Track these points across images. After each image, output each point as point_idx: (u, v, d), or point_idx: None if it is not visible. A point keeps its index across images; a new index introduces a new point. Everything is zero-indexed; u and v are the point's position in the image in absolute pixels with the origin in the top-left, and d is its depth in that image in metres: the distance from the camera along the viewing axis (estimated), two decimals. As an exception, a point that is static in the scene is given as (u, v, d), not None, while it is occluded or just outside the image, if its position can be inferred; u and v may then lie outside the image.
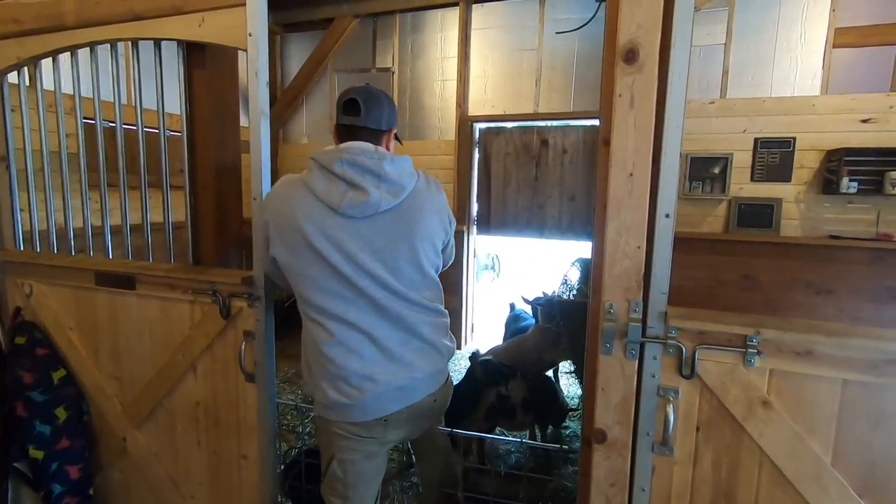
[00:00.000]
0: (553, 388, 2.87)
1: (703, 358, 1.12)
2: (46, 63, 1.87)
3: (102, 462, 1.88)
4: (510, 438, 2.54)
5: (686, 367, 1.14)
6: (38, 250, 1.98)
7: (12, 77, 1.92)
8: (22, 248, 1.98)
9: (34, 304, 1.88)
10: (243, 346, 1.53)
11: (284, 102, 5.13)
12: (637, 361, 1.17)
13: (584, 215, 4.31)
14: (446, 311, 1.43)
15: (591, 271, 1.28)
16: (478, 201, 4.63)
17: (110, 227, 1.87)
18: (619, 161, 1.15)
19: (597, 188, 1.25)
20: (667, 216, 1.12)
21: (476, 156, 4.59)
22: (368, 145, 1.29)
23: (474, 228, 4.67)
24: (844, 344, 1.02)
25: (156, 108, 1.70)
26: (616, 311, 1.17)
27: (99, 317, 1.79)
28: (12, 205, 1.95)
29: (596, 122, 4.18)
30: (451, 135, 4.61)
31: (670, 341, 1.14)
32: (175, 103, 1.71)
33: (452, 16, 4.50)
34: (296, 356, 4.30)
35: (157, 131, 1.72)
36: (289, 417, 3.12)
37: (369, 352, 1.27)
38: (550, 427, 2.90)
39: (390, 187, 1.27)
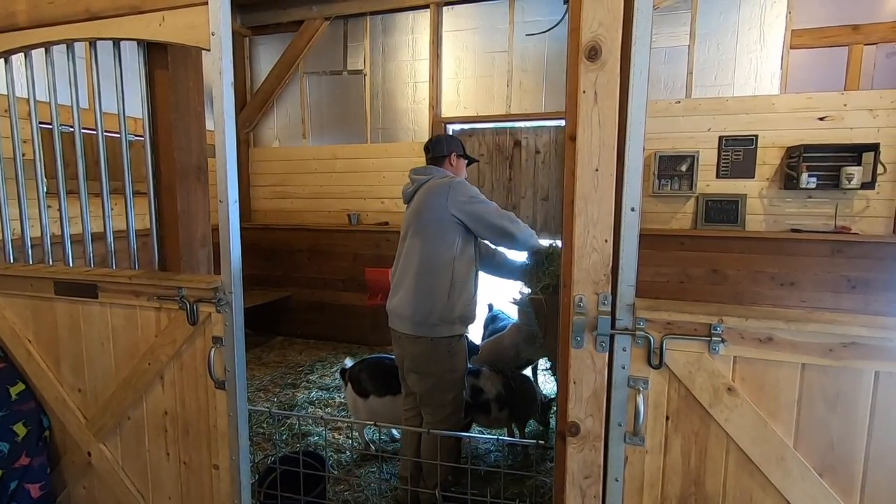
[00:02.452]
0: (528, 384, 2.89)
1: (670, 348, 1.15)
2: (-2, 65, 1.80)
3: (66, 478, 1.81)
4: (488, 436, 2.54)
5: (655, 358, 1.16)
6: (-7, 260, 1.90)
7: (-39, 79, 1.84)
8: (-25, 258, 1.90)
9: (-11, 317, 1.80)
10: (212, 353, 1.49)
11: (254, 106, 5.05)
12: (607, 354, 1.19)
13: (558, 214, 4.36)
14: (451, 287, 2.03)
15: (562, 266, 1.30)
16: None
17: (70, 235, 1.81)
18: (585, 156, 1.17)
19: (564, 184, 1.27)
20: (632, 210, 1.14)
21: (450, 157, 4.60)
22: (426, 167, 2.21)
23: (450, 230, 4.68)
24: (802, 329, 1.06)
25: (116, 112, 1.65)
26: (586, 304, 1.19)
27: (59, 327, 1.72)
28: (-37, 213, 1.87)
29: (567, 123, 4.24)
30: (425, 136, 4.60)
31: (639, 332, 1.16)
32: (137, 106, 1.66)
33: (423, 18, 4.51)
34: (272, 363, 4.24)
35: (118, 135, 1.67)
36: (264, 426, 3.06)
37: (397, 281, 2.14)
38: (531, 424, 2.92)
39: (411, 185, 2.18)
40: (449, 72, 4.53)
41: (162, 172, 1.66)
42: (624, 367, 1.19)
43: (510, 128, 4.43)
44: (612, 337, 1.18)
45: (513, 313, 3.35)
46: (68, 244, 1.79)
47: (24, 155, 1.87)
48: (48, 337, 1.74)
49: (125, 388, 1.65)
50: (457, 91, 4.53)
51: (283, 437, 2.95)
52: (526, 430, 2.88)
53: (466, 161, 2.34)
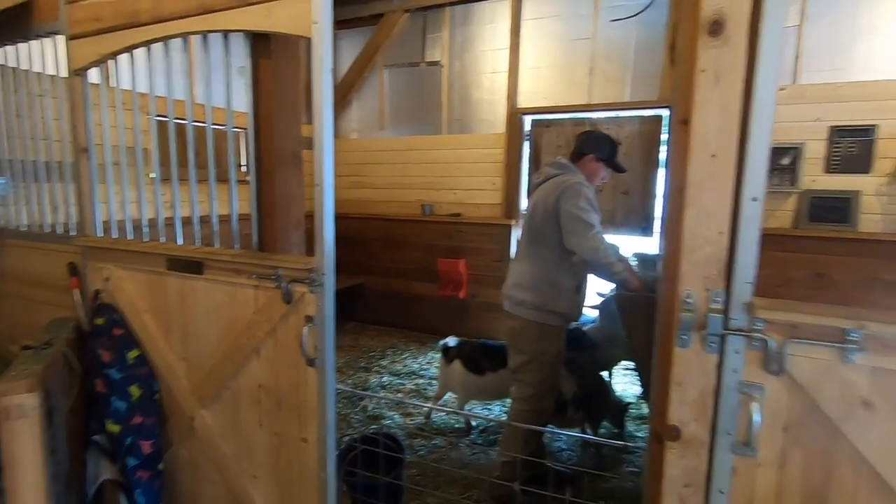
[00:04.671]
0: (604, 385, 2.78)
1: (793, 353, 1.04)
2: (121, 62, 1.97)
3: (171, 439, 1.97)
4: (573, 433, 2.49)
5: (773, 363, 1.06)
6: (115, 237, 2.09)
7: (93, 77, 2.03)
8: (101, 236, 2.10)
9: (112, 288, 1.99)
10: (305, 331, 1.56)
11: (335, 99, 5.23)
12: (717, 355, 1.10)
13: (639, 210, 4.15)
14: (548, 283, 2.19)
15: (665, 259, 1.21)
16: (528, 196, 4.55)
17: (180, 217, 1.97)
18: (701, 142, 1.08)
19: (671, 171, 1.19)
20: (754, 200, 1.04)
21: (526, 149, 4.52)
22: (560, 161, 2.32)
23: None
24: (965, 341, 0.92)
25: (218, 105, 1.76)
26: (695, 301, 1.10)
27: (170, 300, 1.87)
28: (92, 195, 2.08)
29: (653, 113, 4.01)
30: (501, 128, 4.55)
31: (756, 334, 1.06)
32: (238, 98, 1.76)
33: (503, 7, 4.43)
34: (346, 347, 4.40)
35: (223, 127, 1.78)
36: (339, 405, 3.18)
37: (511, 263, 2.43)
38: (604, 426, 2.82)
39: (541, 176, 2.36)
40: (528, 61, 4.43)
41: (262, 159, 1.75)
42: (736, 371, 1.09)
43: (590, 119, 4.27)
44: (723, 337, 1.09)
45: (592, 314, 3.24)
46: (178, 224, 1.94)
47: (142, 144, 2.04)
48: (160, 309, 1.90)
49: (225, 361, 1.76)
50: (535, 81, 4.42)
51: (358, 418, 3.05)
52: (598, 431, 2.79)
53: (608, 167, 2.35)
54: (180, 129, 1.94)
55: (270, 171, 1.75)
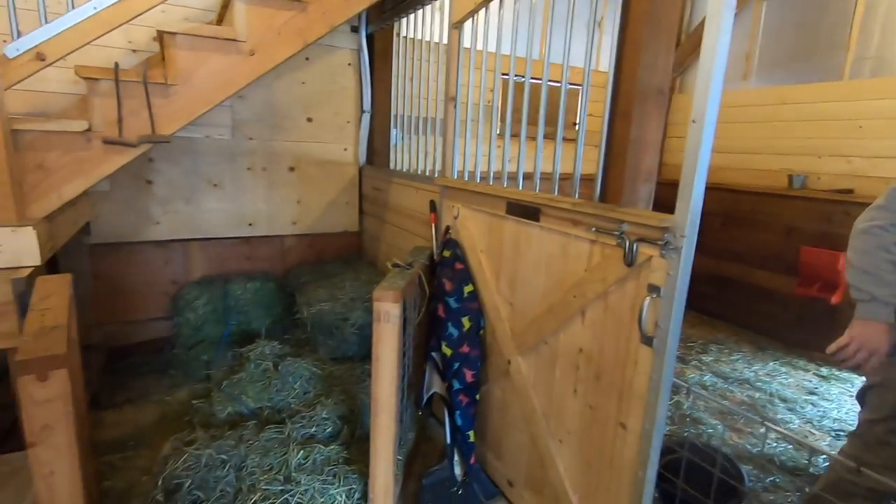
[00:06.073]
0: None
1: None
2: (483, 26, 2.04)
3: (489, 376, 2.08)
4: None
5: None
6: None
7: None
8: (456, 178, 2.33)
9: (458, 225, 2.18)
10: (646, 302, 1.29)
11: (688, 48, 4.53)
12: None
13: None
14: None
15: None
16: None
17: (523, 172, 1.97)
18: None
19: None
20: None
21: None
22: None
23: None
24: None
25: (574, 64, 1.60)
26: None
27: (504, 243, 1.90)
28: (454, 139, 2.29)
29: None
30: (959, 64, 3.01)
31: None
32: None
33: None
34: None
35: (578, 87, 1.62)
36: (648, 393, 2.82)
37: None
38: None
39: None
40: None
41: (620, 96, 1.52)
42: None
43: None
44: None
45: None
46: (521, 178, 1.96)
47: (489, 102, 2.12)
48: (495, 250, 1.97)
49: (548, 314, 1.68)
50: None
51: (668, 414, 2.64)
52: None
53: None
54: (532, 88, 1.89)
55: (627, 111, 1.50)
